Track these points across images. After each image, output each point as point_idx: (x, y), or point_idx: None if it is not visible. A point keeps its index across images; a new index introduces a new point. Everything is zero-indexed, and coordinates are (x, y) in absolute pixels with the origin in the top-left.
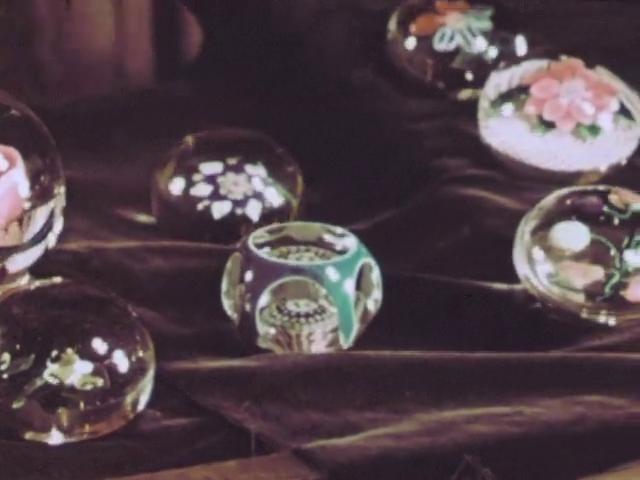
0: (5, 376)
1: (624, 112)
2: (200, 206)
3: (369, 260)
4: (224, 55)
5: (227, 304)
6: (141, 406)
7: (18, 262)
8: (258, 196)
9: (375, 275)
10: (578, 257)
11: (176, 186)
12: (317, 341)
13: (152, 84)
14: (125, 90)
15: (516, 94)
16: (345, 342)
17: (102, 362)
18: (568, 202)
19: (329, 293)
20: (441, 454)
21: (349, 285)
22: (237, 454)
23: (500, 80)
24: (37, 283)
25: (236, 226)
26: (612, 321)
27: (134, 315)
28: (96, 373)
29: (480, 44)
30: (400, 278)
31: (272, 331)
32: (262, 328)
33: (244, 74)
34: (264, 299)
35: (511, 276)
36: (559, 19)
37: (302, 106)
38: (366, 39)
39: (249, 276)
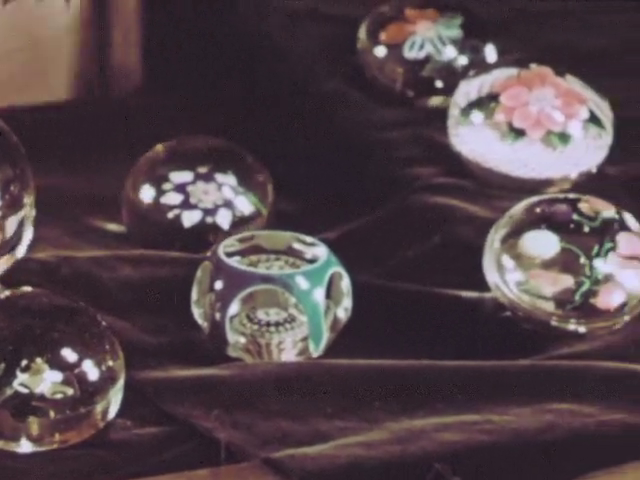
0: None
1: (594, 120)
2: (170, 215)
3: (339, 269)
4: (194, 65)
5: (197, 313)
6: (111, 415)
7: None
8: (228, 205)
9: (345, 284)
10: (548, 265)
11: (146, 195)
12: (287, 350)
13: (123, 94)
14: (95, 99)
15: (486, 102)
16: (315, 351)
17: (72, 371)
18: (538, 210)
19: (299, 302)
20: (411, 463)
21: (319, 294)
22: (207, 463)
23: (470, 88)
24: (6, 292)
25: (206, 235)
26: (582, 329)
27: (104, 324)
28: (66, 382)
29: (450, 52)
30: (370, 287)
31: (242, 340)
32: (232, 337)
33: (214, 83)
34: (234, 308)
35: (481, 284)
36: (529, 25)
37: (272, 115)
38: (336, 48)
39: (219, 285)
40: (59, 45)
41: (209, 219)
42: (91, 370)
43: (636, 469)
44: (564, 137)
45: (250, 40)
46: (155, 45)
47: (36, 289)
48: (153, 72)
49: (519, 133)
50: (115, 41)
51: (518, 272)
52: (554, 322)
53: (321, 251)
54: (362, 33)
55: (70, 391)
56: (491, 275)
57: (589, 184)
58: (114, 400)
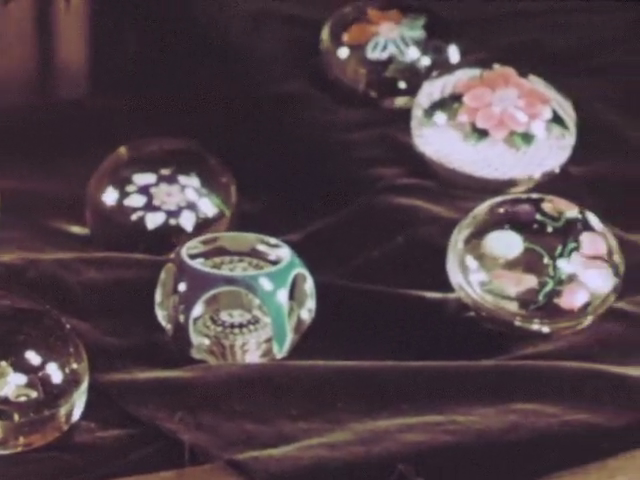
0: None
1: (557, 120)
2: (134, 217)
3: (302, 270)
4: (157, 66)
5: (161, 315)
6: (75, 417)
7: None
8: (192, 207)
9: (309, 285)
10: (511, 265)
11: (110, 197)
12: (251, 351)
13: (85, 95)
14: (58, 101)
15: (449, 103)
16: (279, 352)
17: (36, 374)
18: (501, 210)
19: (262, 303)
20: (375, 463)
21: (282, 295)
22: (171, 465)
23: (433, 89)
24: None
25: (170, 237)
26: (546, 329)
27: (68, 327)
28: (30, 385)
29: (413, 53)
30: (334, 288)
31: (206, 342)
32: (196, 339)
33: (177, 84)
34: (198, 310)
35: (445, 285)
36: (492, 26)
37: (235, 116)
38: (299, 49)
39: (183, 287)
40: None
41: (172, 221)
42: (55, 373)
43: (599, 469)
44: (527, 137)
45: (214, 42)
46: (116, 46)
47: (0, 291)
48: (113, 73)
49: (482, 133)
50: (62, 44)
51: (482, 272)
52: (518, 322)
53: (284, 252)
54: (325, 34)
55: (34, 394)
56: (455, 275)
57: (552, 184)
58: (78, 403)
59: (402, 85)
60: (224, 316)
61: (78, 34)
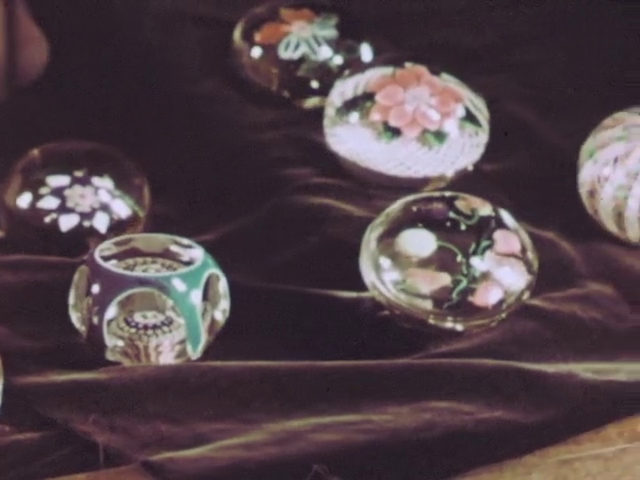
0: None
1: (470, 118)
2: (47, 219)
3: (216, 271)
4: (69, 68)
5: (75, 317)
6: None
7: None
8: (105, 208)
9: (222, 285)
10: (425, 264)
11: (23, 199)
12: (165, 353)
13: None
14: None
15: (361, 101)
16: (193, 353)
17: None
18: (414, 209)
19: (176, 304)
20: (290, 463)
21: (196, 296)
22: (86, 467)
23: (345, 88)
24: None
25: (84, 238)
26: (460, 327)
27: None
28: None
29: (325, 52)
30: (247, 288)
31: (120, 343)
32: (110, 340)
33: (89, 86)
34: (111, 311)
35: (358, 284)
36: (404, 24)
37: (148, 117)
38: (212, 49)
39: (96, 289)
40: None
41: (86, 223)
42: None
43: (515, 466)
44: (440, 135)
45: (126, 43)
46: (26, 47)
47: None
48: (23, 75)
49: (395, 132)
50: None
51: (395, 271)
52: (432, 320)
53: (198, 253)
54: (237, 34)
55: None
56: (368, 274)
57: (466, 182)
58: None
59: (314, 84)
60: (138, 317)
61: None
